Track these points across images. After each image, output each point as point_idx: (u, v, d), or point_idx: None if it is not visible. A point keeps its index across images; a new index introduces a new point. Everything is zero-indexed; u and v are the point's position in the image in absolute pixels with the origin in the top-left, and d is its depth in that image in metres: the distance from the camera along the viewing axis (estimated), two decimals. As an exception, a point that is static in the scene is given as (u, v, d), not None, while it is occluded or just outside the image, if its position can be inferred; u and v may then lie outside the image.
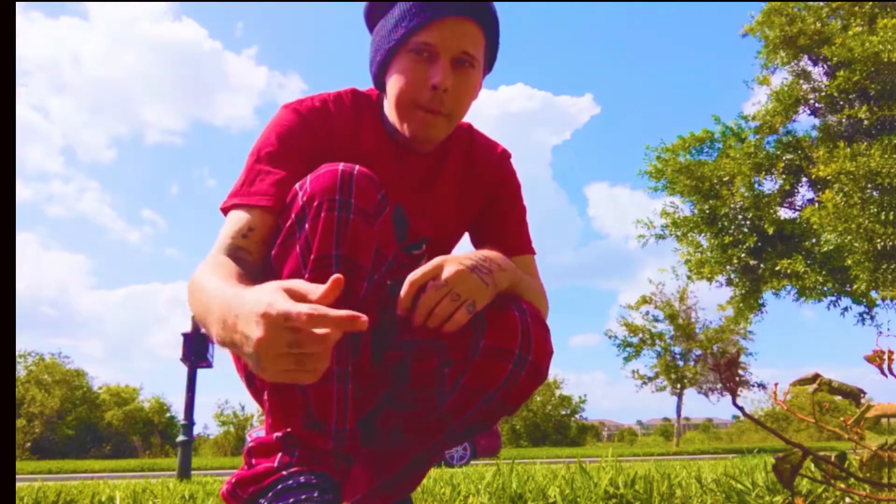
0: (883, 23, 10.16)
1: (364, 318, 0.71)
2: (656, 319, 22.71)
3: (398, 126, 1.13)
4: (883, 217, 9.59)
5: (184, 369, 7.16)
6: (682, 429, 27.22)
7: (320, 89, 1.21)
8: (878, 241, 9.61)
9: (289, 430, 0.93)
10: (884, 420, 0.97)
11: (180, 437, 7.00)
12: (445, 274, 0.99)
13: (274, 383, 0.94)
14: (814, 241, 11.14)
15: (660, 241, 13.15)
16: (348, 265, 0.94)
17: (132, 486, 3.21)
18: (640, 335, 22.30)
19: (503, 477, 2.08)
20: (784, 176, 11.82)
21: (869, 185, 9.85)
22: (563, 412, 35.65)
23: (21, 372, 30.61)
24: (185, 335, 7.15)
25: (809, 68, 11.93)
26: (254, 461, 0.95)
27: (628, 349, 21.88)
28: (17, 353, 29.21)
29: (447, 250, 1.31)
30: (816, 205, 10.79)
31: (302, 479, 0.90)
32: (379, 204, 0.99)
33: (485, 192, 1.27)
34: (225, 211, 1.07)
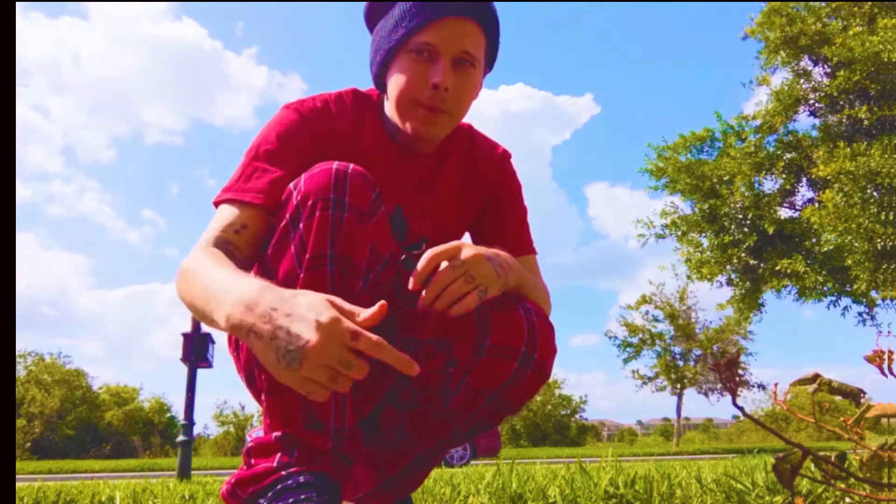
0: (883, 23, 10.16)
1: (417, 367, 0.77)
2: (656, 319, 22.71)
3: (399, 125, 1.13)
4: (883, 217, 9.59)
5: (184, 369, 7.16)
6: (682, 429, 27.21)
7: (321, 89, 1.21)
8: (879, 241, 9.61)
9: (288, 430, 0.93)
10: (884, 420, 0.97)
11: (180, 437, 7.00)
12: (464, 255, 0.98)
13: (273, 383, 0.94)
14: (814, 240, 11.13)
15: (660, 240, 13.14)
16: (343, 264, 0.94)
17: (132, 486, 3.21)
18: (640, 335, 22.29)
19: (503, 477, 2.08)
20: (784, 175, 11.82)
21: (869, 185, 9.85)
22: (564, 412, 35.65)
23: (21, 372, 30.60)
24: (185, 335, 7.15)
25: (810, 68, 11.93)
26: (253, 461, 0.94)
27: (628, 349, 21.88)
28: (16, 353, 29.20)
29: None
30: (816, 204, 10.79)
31: (301, 479, 0.90)
32: (374, 202, 0.99)
33: (485, 193, 1.27)
34: (217, 204, 1.06)
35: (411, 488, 1.20)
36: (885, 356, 0.94)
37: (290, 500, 0.88)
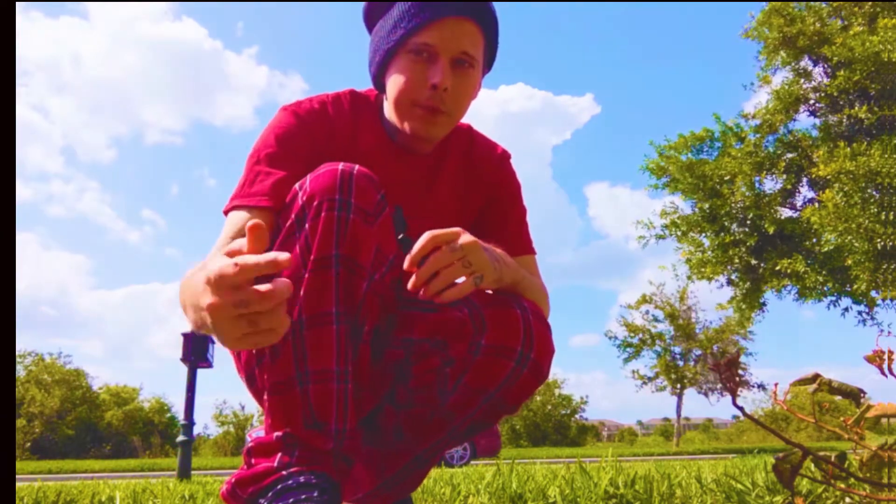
0: (883, 22, 10.16)
1: (285, 255, 0.70)
2: (656, 319, 22.70)
3: (398, 125, 1.13)
4: (883, 217, 9.59)
5: (184, 369, 7.16)
6: (682, 429, 27.21)
7: (321, 89, 1.21)
8: (879, 240, 9.61)
9: (288, 430, 0.93)
10: (884, 420, 0.97)
11: (180, 437, 7.00)
12: (462, 240, 0.97)
13: (274, 383, 0.94)
14: (814, 240, 11.13)
15: (660, 241, 13.14)
16: (348, 265, 0.94)
17: (132, 486, 3.21)
18: (640, 335, 22.29)
19: (503, 477, 2.08)
20: (785, 175, 11.82)
21: (869, 185, 9.85)
22: (563, 412, 35.65)
23: (20, 372, 30.60)
24: (185, 335, 7.14)
25: (810, 68, 11.92)
26: (253, 461, 0.94)
27: (628, 349, 21.87)
28: (16, 353, 29.20)
29: None
30: (816, 204, 10.79)
31: (302, 478, 0.90)
32: (379, 203, 0.99)
33: (485, 193, 1.27)
34: (226, 213, 1.08)
35: (411, 488, 1.21)
36: (885, 356, 0.94)
37: (291, 499, 0.88)
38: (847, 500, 1.16)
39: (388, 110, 1.15)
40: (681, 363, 22.73)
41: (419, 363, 1.06)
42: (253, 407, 31.52)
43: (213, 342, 7.41)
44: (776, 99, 11.86)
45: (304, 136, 1.11)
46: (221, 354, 7.91)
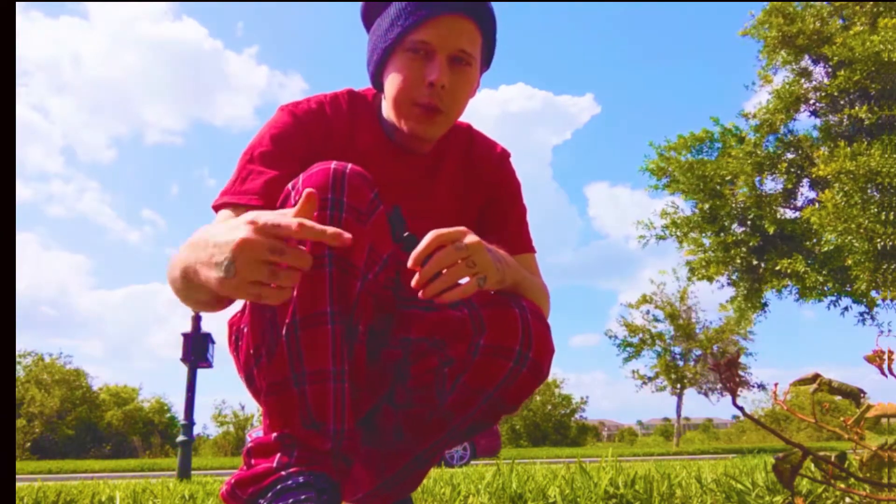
0: (884, 22, 10.15)
1: (347, 235, 0.75)
2: (656, 319, 22.70)
3: (396, 124, 1.13)
4: (883, 217, 9.59)
5: (184, 369, 7.16)
6: (682, 429, 27.20)
7: (321, 89, 1.21)
8: (879, 240, 9.61)
9: (287, 430, 0.93)
10: (884, 420, 0.97)
11: (180, 437, 7.00)
12: (467, 240, 0.96)
13: (272, 383, 0.94)
14: (814, 241, 11.13)
15: (660, 241, 13.14)
16: (341, 264, 0.94)
17: (132, 486, 3.21)
18: (641, 335, 22.29)
19: (503, 477, 2.08)
20: (785, 175, 11.82)
21: (869, 185, 9.85)
22: (563, 412, 35.64)
23: (20, 372, 30.60)
24: (185, 335, 7.15)
25: (810, 68, 11.92)
26: (253, 461, 0.94)
27: (628, 349, 21.87)
28: (16, 353, 29.21)
29: None
30: (817, 205, 10.78)
31: (301, 479, 0.90)
32: (372, 202, 0.98)
33: (484, 193, 1.27)
34: (216, 209, 1.08)
35: (411, 488, 1.20)
36: (885, 356, 0.94)
37: (290, 500, 0.88)
38: (847, 500, 1.16)
39: (387, 109, 1.15)
40: (681, 363, 22.73)
41: (418, 363, 1.06)
42: (252, 407, 31.55)
43: (213, 342, 7.42)
44: (776, 98, 11.85)
45: (300, 136, 1.11)
46: (221, 354, 7.91)
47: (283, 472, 0.91)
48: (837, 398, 1.01)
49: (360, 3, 1.18)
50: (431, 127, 1.11)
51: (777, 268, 11.28)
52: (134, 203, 70.41)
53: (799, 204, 12.31)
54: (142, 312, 63.41)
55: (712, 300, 37.28)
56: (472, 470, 3.67)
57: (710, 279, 12.60)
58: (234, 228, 0.78)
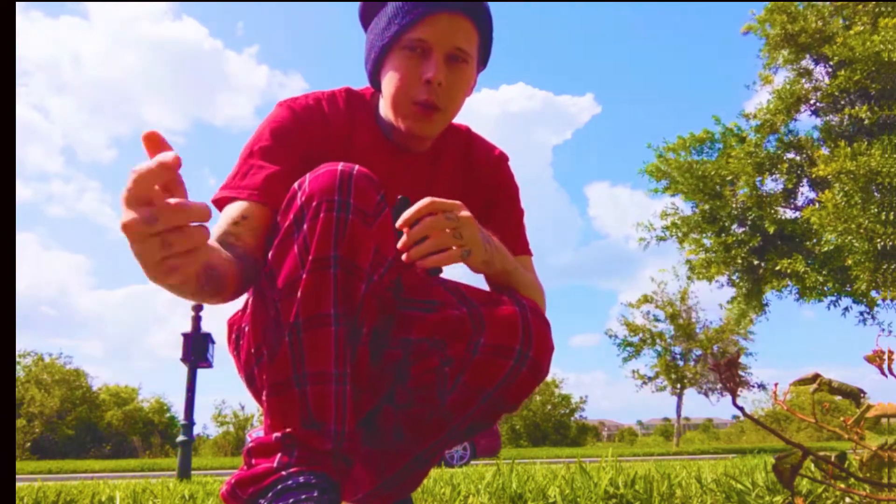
0: (884, 22, 10.15)
1: (171, 154, 0.65)
2: (657, 319, 22.70)
3: (394, 122, 1.13)
4: (883, 217, 9.59)
5: (184, 369, 7.16)
6: (682, 429, 27.19)
7: (321, 88, 1.22)
8: (879, 241, 9.61)
9: (288, 430, 0.93)
10: (884, 420, 0.97)
11: (180, 437, 7.00)
12: (461, 213, 0.99)
13: (273, 383, 0.94)
14: (815, 241, 11.13)
15: (661, 242, 13.13)
16: (346, 266, 0.94)
17: (132, 486, 3.21)
18: (641, 335, 22.28)
19: (503, 477, 2.08)
20: (786, 176, 11.81)
21: (869, 185, 9.84)
22: (563, 412, 35.64)
23: (20, 372, 30.59)
24: (185, 335, 7.15)
25: (811, 67, 11.91)
26: (253, 461, 0.94)
27: (629, 349, 21.87)
28: (16, 353, 29.21)
29: None
30: (817, 205, 10.78)
31: (301, 479, 0.90)
32: (378, 204, 0.99)
33: (483, 195, 1.27)
34: (216, 202, 1.08)
35: (411, 488, 1.20)
36: (885, 356, 0.94)
37: (291, 500, 0.88)
38: (847, 500, 1.16)
39: (384, 108, 1.16)
40: (681, 363, 22.72)
41: (418, 363, 1.06)
42: (252, 407, 31.54)
43: (213, 342, 7.42)
44: (777, 98, 11.84)
45: (299, 132, 1.12)
46: (221, 354, 7.92)
47: (283, 472, 0.91)
48: (837, 398, 1.01)
49: (358, 3, 1.19)
50: (429, 124, 1.11)
51: (777, 268, 11.28)
52: (134, 203, 70.22)
53: (799, 204, 12.31)
54: (142, 312, 63.46)
55: (712, 300, 37.24)
56: (472, 470, 3.67)
57: (710, 279, 12.60)
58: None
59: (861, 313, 12.15)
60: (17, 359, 30.65)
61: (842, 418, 0.99)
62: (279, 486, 0.90)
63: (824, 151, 10.78)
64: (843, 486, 1.02)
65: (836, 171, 9.89)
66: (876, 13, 10.90)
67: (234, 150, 1.14)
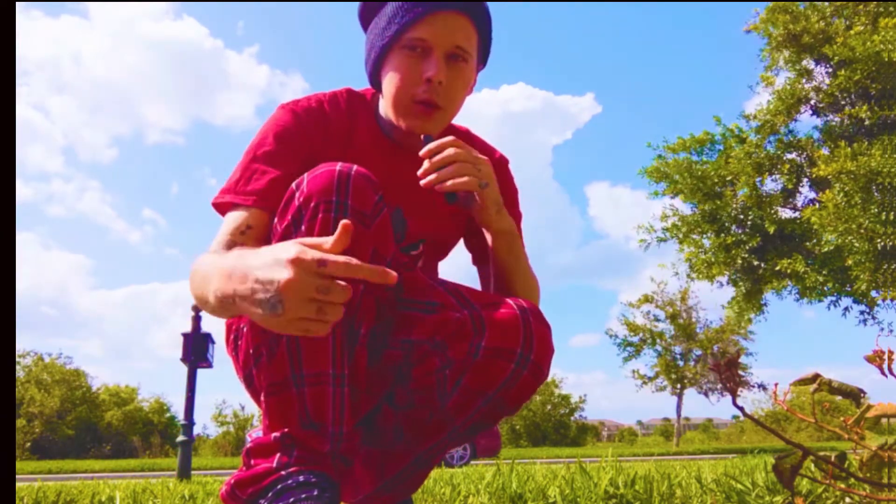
0: (885, 22, 10.15)
1: (394, 274, 0.75)
2: (657, 319, 22.71)
3: (394, 121, 1.14)
4: (884, 217, 9.58)
5: (184, 369, 7.16)
6: (682, 429, 27.21)
7: (322, 88, 1.22)
8: (879, 241, 9.60)
9: (286, 430, 0.93)
10: (884, 420, 0.97)
11: (180, 438, 7.00)
12: (482, 157, 1.07)
13: (270, 384, 0.94)
14: (815, 241, 11.13)
15: (661, 244, 13.13)
16: None
17: (132, 486, 3.21)
18: (641, 335, 22.29)
19: (503, 477, 2.08)
20: (786, 176, 11.81)
21: (870, 185, 9.84)
22: (563, 412, 35.65)
23: (20, 372, 30.60)
24: (185, 335, 7.15)
25: (811, 67, 11.91)
26: (252, 462, 0.94)
27: (629, 349, 21.87)
28: (16, 353, 29.22)
29: (445, 251, 1.31)
30: (817, 205, 10.78)
31: (301, 478, 0.90)
32: (376, 205, 0.99)
33: None
34: (217, 206, 1.08)
35: (412, 489, 1.20)
36: (885, 356, 0.94)
37: (291, 499, 0.88)
38: (847, 500, 1.16)
39: (385, 107, 1.16)
40: (681, 363, 22.73)
41: (419, 365, 1.06)
42: (252, 407, 31.55)
43: (213, 342, 7.42)
44: (777, 99, 11.84)
45: (301, 135, 1.12)
46: (221, 354, 7.91)
47: (282, 472, 0.91)
48: (837, 398, 1.01)
49: (357, 3, 1.19)
50: (430, 123, 1.12)
51: (777, 268, 11.28)
52: (134, 203, 70.45)
53: (799, 204, 12.31)
54: (142, 312, 63.42)
55: (713, 300, 37.28)
56: (472, 470, 3.67)
57: (711, 279, 12.60)
58: (278, 264, 0.77)
59: (861, 313, 12.15)
60: (17, 359, 30.66)
61: (842, 418, 0.99)
62: (279, 486, 0.90)
63: (824, 152, 10.78)
64: (843, 486, 1.02)
65: (836, 172, 9.89)
66: (876, 13, 10.90)
67: (235, 150, 1.15)
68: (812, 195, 12.14)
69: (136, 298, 64.22)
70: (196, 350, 7.09)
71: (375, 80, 1.17)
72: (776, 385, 1.03)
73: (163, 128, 67.06)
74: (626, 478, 1.78)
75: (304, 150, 1.11)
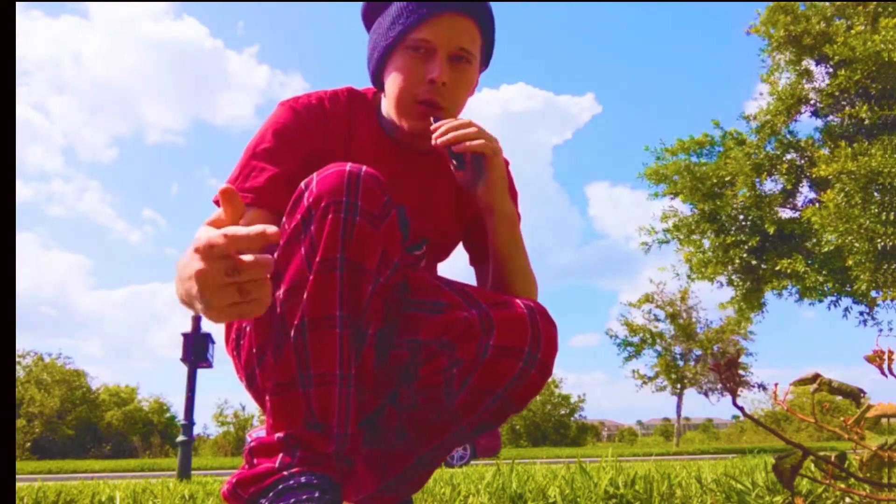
0: (885, 22, 10.15)
1: (273, 229, 0.72)
2: (657, 319, 22.71)
3: (397, 122, 1.14)
4: (884, 217, 9.58)
5: (184, 369, 7.17)
6: (682, 429, 27.21)
7: (322, 88, 1.22)
8: (879, 241, 9.61)
9: (290, 430, 0.93)
10: (884, 420, 0.97)
11: (180, 437, 7.00)
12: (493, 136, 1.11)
13: (275, 383, 0.94)
14: (814, 241, 11.13)
15: (662, 245, 13.13)
16: (353, 268, 0.94)
17: (132, 486, 3.21)
18: (641, 335, 22.29)
19: (503, 477, 2.08)
20: (785, 177, 11.81)
21: (870, 185, 9.84)
22: (563, 412, 35.65)
23: (20, 372, 30.60)
24: (185, 335, 7.15)
25: (812, 67, 11.91)
26: (255, 461, 0.94)
27: (629, 349, 21.88)
28: (16, 353, 29.21)
29: (447, 251, 1.31)
30: (817, 205, 10.78)
31: (303, 479, 0.90)
32: (385, 206, 0.99)
33: None
34: (217, 203, 1.08)
35: (414, 489, 1.20)
36: (885, 356, 0.94)
37: (292, 500, 0.88)
38: (847, 500, 1.16)
39: (387, 107, 1.16)
40: (681, 363, 22.73)
41: (426, 364, 1.06)
42: (253, 407, 31.52)
43: (213, 342, 7.42)
44: (777, 99, 11.84)
45: (301, 132, 1.12)
46: (221, 354, 7.92)
47: (285, 472, 0.91)
48: (837, 398, 1.01)
49: (360, 3, 1.19)
50: (431, 124, 1.12)
51: (777, 268, 11.28)
52: (134, 203, 70.40)
53: (799, 204, 12.31)
54: (142, 312, 63.36)
55: (713, 300, 37.22)
56: (472, 470, 3.67)
57: (711, 279, 12.61)
58: (190, 260, 0.76)
59: (861, 313, 12.16)
60: (17, 359, 30.66)
61: (842, 418, 0.99)
62: (280, 486, 0.90)
63: (825, 152, 10.77)
64: (843, 486, 1.02)
65: (836, 172, 9.89)
66: (876, 13, 10.90)
67: (235, 150, 1.15)
68: (812, 195, 12.14)
69: (136, 298, 64.21)
70: (196, 350, 7.10)
71: (378, 79, 1.17)
72: (776, 385, 1.03)
73: (163, 128, 67.05)
74: (626, 478, 1.78)
75: (305, 147, 1.11)
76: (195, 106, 73.09)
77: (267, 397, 0.96)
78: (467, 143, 1.06)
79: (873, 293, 10.91)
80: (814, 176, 11.13)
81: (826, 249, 10.51)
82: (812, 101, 11.87)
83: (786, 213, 12.22)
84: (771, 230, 11.39)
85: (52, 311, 59.07)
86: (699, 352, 22.72)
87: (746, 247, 11.82)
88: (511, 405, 1.05)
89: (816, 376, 0.99)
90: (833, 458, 1.00)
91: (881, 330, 12.12)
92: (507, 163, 1.33)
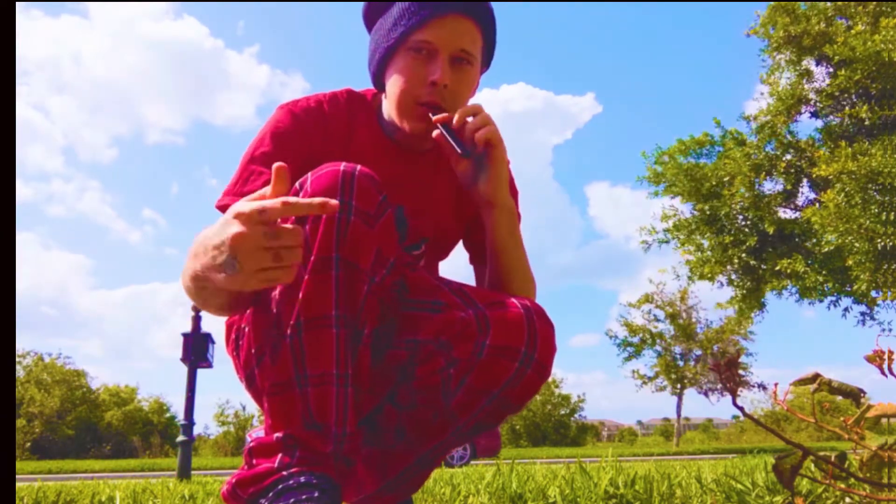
0: (885, 22, 10.15)
1: (334, 202, 0.78)
2: (657, 319, 22.72)
3: (398, 123, 1.14)
4: (884, 217, 9.58)
5: (184, 369, 7.17)
6: (682, 429, 27.21)
7: (322, 88, 1.22)
8: (879, 241, 9.61)
9: (289, 430, 0.93)
10: (884, 420, 0.97)
11: (180, 438, 7.00)
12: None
13: (274, 383, 0.94)
14: (814, 241, 11.13)
15: (662, 245, 13.14)
16: (348, 268, 0.94)
17: (132, 486, 3.21)
18: (641, 335, 22.29)
19: (503, 477, 2.08)
20: (785, 176, 11.81)
21: (870, 185, 9.84)
22: (563, 412, 35.65)
23: (20, 372, 30.61)
24: (185, 335, 7.16)
25: (812, 68, 11.90)
26: (254, 461, 0.94)
27: (629, 349, 21.88)
28: (16, 353, 29.22)
29: (447, 251, 1.31)
30: (818, 205, 10.78)
31: (302, 479, 0.90)
32: (380, 205, 0.99)
33: None
34: (220, 209, 1.08)
35: (414, 489, 1.20)
36: (885, 356, 0.94)
37: (291, 500, 0.88)
38: (847, 500, 1.16)
39: (388, 108, 1.16)
40: (681, 363, 22.73)
41: (424, 364, 1.06)
42: (253, 407, 31.53)
43: (213, 342, 7.42)
44: (777, 100, 11.84)
45: (299, 135, 1.12)
46: (221, 354, 7.92)
47: (284, 472, 0.91)
48: (837, 398, 1.01)
49: (361, 4, 1.19)
50: (432, 126, 1.12)
51: (777, 268, 11.28)
52: (134, 203, 70.39)
53: (799, 204, 12.31)
54: (142, 312, 63.37)
55: (713, 300, 37.23)
56: (472, 470, 3.67)
57: (711, 279, 12.61)
58: (225, 225, 0.81)
59: (861, 313, 12.16)
60: (17, 359, 30.66)
61: (842, 418, 0.99)
62: (280, 486, 0.90)
63: (825, 152, 10.77)
64: (843, 486, 1.02)
65: (836, 172, 9.89)
66: (877, 13, 10.90)
67: (235, 150, 1.15)
68: (812, 195, 12.14)
69: (136, 298, 64.24)
70: (196, 350, 7.10)
71: (379, 81, 1.17)
72: (776, 385, 1.03)
73: (163, 128, 67.04)
74: (626, 478, 1.78)
75: (303, 150, 1.11)
76: (195, 106, 73.14)
77: (265, 398, 0.96)
78: (479, 133, 1.07)
79: (873, 293, 10.91)
80: (814, 176, 11.13)
81: (826, 249, 10.51)
82: (812, 102, 11.87)
83: (786, 214, 12.22)
84: (770, 230, 11.39)
85: (52, 311, 59.14)
86: (699, 352, 22.72)
87: (745, 247, 11.82)
88: (508, 405, 1.05)
89: (816, 376, 0.99)
90: (833, 458, 1.00)
91: (882, 330, 12.12)
92: (507, 162, 1.33)
